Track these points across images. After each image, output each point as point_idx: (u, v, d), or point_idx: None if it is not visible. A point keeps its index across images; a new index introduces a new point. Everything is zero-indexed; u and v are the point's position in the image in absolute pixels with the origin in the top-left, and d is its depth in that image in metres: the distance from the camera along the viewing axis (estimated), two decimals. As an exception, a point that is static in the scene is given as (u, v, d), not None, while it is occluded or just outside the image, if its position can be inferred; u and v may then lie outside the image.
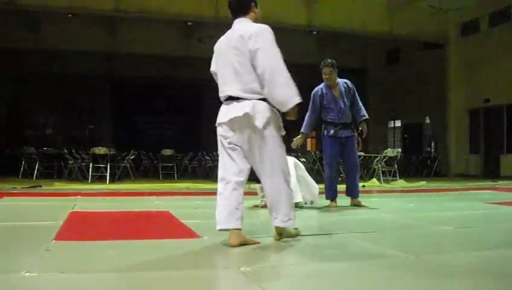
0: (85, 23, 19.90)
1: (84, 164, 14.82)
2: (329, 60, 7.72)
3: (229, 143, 4.39)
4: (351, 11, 18.80)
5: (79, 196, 9.20)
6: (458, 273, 3.53)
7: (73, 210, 6.71)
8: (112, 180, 14.16)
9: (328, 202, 7.60)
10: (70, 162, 15.02)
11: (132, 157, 16.55)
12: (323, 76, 7.67)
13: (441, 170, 20.51)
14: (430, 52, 22.06)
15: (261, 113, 4.30)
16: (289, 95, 4.32)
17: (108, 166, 14.27)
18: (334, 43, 22.64)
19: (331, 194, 7.62)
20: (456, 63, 20.92)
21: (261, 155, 4.34)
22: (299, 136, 7.68)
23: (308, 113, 7.73)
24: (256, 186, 7.26)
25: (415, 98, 22.83)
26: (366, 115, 7.80)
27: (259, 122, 4.27)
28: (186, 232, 4.98)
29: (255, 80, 4.34)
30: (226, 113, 4.40)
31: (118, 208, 7.31)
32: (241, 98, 4.34)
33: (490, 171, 19.08)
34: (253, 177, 4.61)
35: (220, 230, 4.35)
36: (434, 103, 21.84)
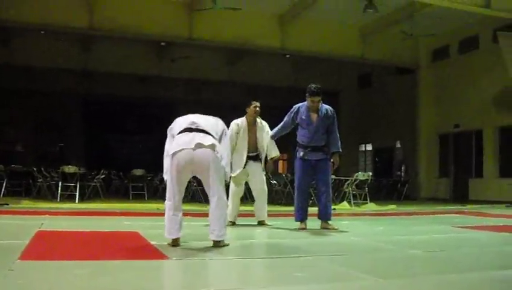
0: (58, 40, 19.77)
1: (54, 182, 14.61)
2: (315, 88, 7.47)
3: None
4: (324, 35, 19.03)
5: (47, 215, 9.04)
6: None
7: (41, 229, 6.59)
8: (81, 200, 13.98)
9: (297, 224, 7.58)
10: (39, 180, 14.80)
11: (102, 176, 16.39)
12: (310, 103, 7.54)
13: (411, 194, 20.68)
14: (402, 77, 22.38)
15: None
16: None
17: (78, 185, 14.09)
18: (308, 67, 22.83)
19: (299, 216, 7.59)
20: (427, 88, 21.26)
21: None
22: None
23: (280, 125, 7.97)
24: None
25: (386, 122, 23.07)
26: (340, 148, 7.73)
27: None
28: (154, 253, 4.93)
29: None
30: None
31: (86, 227, 7.20)
32: None
33: (459, 195, 19.30)
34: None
35: None
36: (405, 127, 22.10)
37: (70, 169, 14.49)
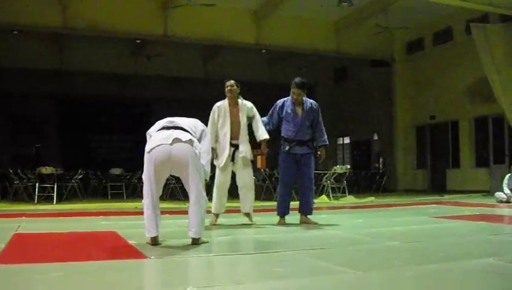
0: (31, 40, 19.53)
1: (30, 184, 14.46)
2: (300, 81, 7.55)
3: None
4: (299, 29, 19.07)
5: (24, 217, 8.94)
6: (402, 287, 3.57)
7: (17, 232, 6.51)
8: (59, 201, 13.85)
9: (277, 218, 7.59)
10: (15, 182, 14.63)
11: (80, 176, 16.25)
12: (292, 95, 7.60)
13: (389, 186, 20.83)
14: (377, 70, 22.48)
15: None
16: None
17: (55, 186, 13.96)
18: (284, 61, 22.88)
19: (281, 210, 7.57)
20: (402, 80, 21.41)
21: None
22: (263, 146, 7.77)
23: (265, 120, 7.77)
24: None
25: (363, 115, 23.18)
26: (327, 141, 7.79)
27: None
28: (132, 253, 4.89)
29: None
30: None
31: (64, 229, 7.14)
32: None
33: (437, 186, 19.50)
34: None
35: None
36: (382, 119, 22.23)
37: (47, 170, 14.35)
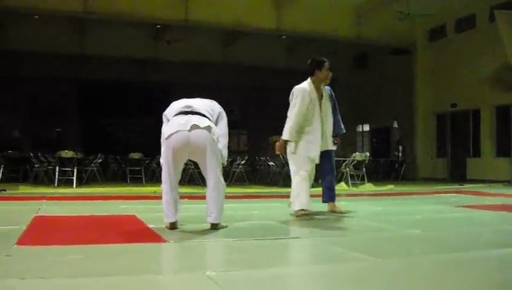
0: (52, 24, 19.63)
1: (51, 167, 14.59)
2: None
3: None
4: (320, 15, 18.92)
5: (44, 200, 9.03)
6: (421, 276, 3.53)
7: (38, 214, 6.57)
8: (79, 184, 13.96)
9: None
10: (36, 165, 14.78)
11: (100, 160, 16.37)
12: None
13: (408, 174, 20.71)
14: (398, 58, 22.28)
15: None
16: None
17: (75, 170, 14.07)
18: (303, 48, 22.73)
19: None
20: (424, 68, 21.19)
21: None
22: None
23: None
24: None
25: (383, 103, 23.04)
26: (344, 129, 7.49)
27: None
28: (152, 237, 4.91)
29: None
30: None
31: (83, 212, 7.18)
32: None
33: (457, 175, 19.34)
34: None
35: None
36: (402, 107, 22.07)
37: (67, 154, 14.47)
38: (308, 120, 6.79)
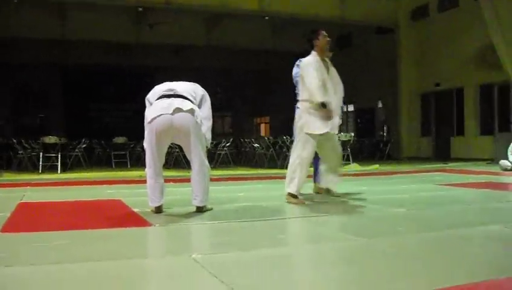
0: (33, 9, 19.35)
1: (35, 153, 14.47)
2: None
3: None
4: (303, -4, 18.83)
5: (29, 187, 8.97)
6: (406, 254, 3.56)
7: (22, 201, 6.54)
8: (64, 170, 13.86)
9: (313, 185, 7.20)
10: (19, 152, 14.65)
11: (84, 146, 16.26)
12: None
13: (393, 153, 20.78)
14: (382, 37, 22.27)
15: None
16: None
17: (60, 155, 13.96)
18: (287, 29, 22.64)
19: (318, 177, 7.05)
20: (407, 47, 21.19)
21: None
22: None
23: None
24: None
25: (367, 83, 23.03)
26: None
27: None
28: (138, 221, 4.91)
29: None
30: None
31: (68, 197, 7.15)
32: None
33: (441, 154, 19.46)
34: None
35: None
36: (386, 87, 22.10)
37: (51, 140, 14.35)
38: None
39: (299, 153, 6.30)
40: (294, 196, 6.22)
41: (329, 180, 6.79)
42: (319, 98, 6.13)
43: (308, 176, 6.70)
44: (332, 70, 6.57)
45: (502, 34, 15.61)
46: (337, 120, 6.43)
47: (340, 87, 6.65)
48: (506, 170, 12.34)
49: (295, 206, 5.97)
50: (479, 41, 17.48)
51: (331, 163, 6.70)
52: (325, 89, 6.25)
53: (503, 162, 12.76)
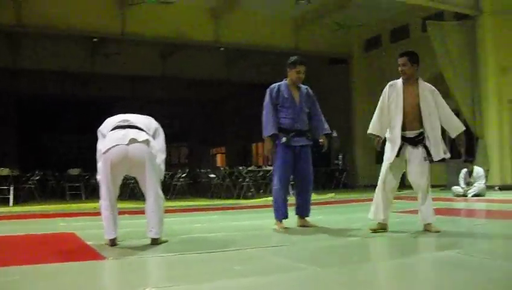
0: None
1: (-15, 186, 14.14)
2: (300, 58, 7.13)
3: None
4: (258, 27, 19.08)
5: (-22, 220, 8.75)
6: (357, 283, 3.59)
7: (-29, 235, 6.37)
8: (16, 203, 13.57)
9: (274, 222, 6.75)
10: (-30, 185, 14.29)
11: (37, 178, 15.96)
12: (296, 75, 6.97)
13: (348, 182, 21.01)
14: (336, 67, 22.65)
15: None
16: None
17: (12, 188, 13.67)
18: (243, 59, 22.84)
19: (282, 213, 6.68)
20: (360, 77, 21.62)
21: None
22: (267, 142, 6.65)
23: (266, 111, 6.72)
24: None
25: (322, 112, 23.27)
26: (329, 129, 7.24)
27: None
28: (91, 254, 4.82)
29: None
30: None
31: (20, 231, 6.99)
32: None
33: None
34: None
35: None
36: (341, 116, 22.38)
37: (3, 172, 14.07)
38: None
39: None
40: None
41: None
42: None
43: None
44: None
45: (450, 64, 16.14)
46: None
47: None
48: (458, 195, 12.68)
49: (249, 237, 6.00)
50: (429, 70, 17.86)
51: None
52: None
53: (455, 188, 13.14)
